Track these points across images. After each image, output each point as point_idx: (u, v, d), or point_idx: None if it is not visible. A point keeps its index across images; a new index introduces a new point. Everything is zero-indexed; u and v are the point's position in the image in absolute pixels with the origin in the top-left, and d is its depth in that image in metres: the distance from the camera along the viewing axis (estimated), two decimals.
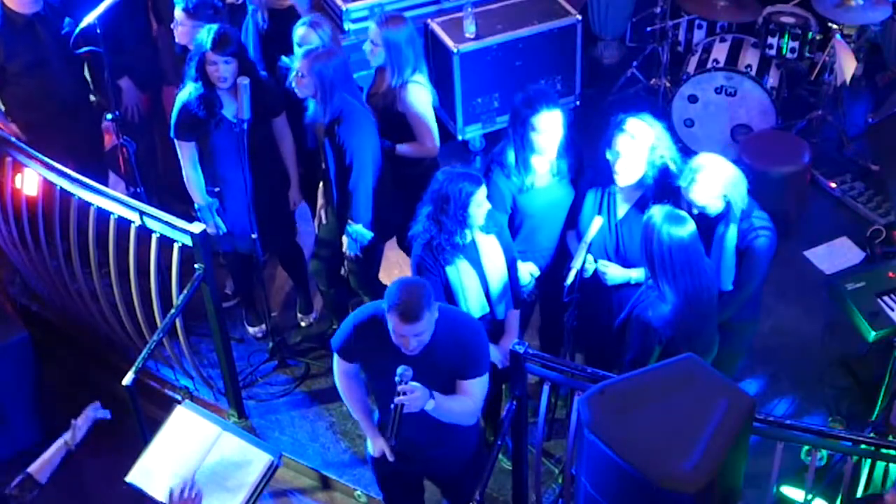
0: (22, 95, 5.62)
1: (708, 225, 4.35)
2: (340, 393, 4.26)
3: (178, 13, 5.28)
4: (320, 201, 5.28)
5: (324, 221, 5.28)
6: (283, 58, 5.15)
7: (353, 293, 5.46)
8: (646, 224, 4.09)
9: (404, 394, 3.74)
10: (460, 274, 4.37)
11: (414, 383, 3.77)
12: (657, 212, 4.08)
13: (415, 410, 3.81)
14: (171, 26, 5.42)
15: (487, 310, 4.51)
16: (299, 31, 5.13)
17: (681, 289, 4.08)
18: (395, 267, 6.08)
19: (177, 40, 5.38)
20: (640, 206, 4.54)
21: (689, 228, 4.05)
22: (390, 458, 4.16)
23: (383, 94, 5.15)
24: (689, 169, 4.34)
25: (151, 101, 6.23)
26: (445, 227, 4.29)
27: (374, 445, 4.24)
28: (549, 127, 4.51)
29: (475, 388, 3.96)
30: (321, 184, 5.24)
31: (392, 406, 3.79)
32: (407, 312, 3.70)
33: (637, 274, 4.54)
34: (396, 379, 3.76)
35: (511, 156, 4.63)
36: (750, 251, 4.35)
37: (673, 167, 4.48)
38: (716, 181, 4.28)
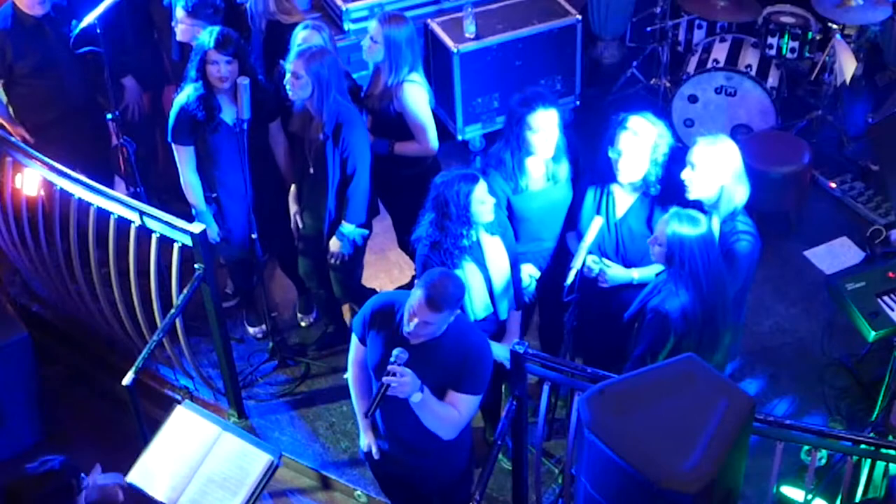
0: (31, 97, 5.62)
1: None
2: (348, 379, 4.26)
3: (179, 12, 5.28)
4: (293, 207, 5.24)
5: (300, 226, 5.25)
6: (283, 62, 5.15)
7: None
8: (673, 237, 4.05)
9: (394, 374, 3.75)
10: (466, 275, 4.37)
11: (406, 369, 3.77)
12: (678, 220, 4.06)
13: (401, 396, 3.80)
14: (172, 24, 5.42)
15: (491, 310, 4.52)
16: (302, 33, 5.11)
17: (700, 287, 4.07)
18: (394, 267, 6.09)
19: (177, 38, 5.37)
20: (639, 205, 4.54)
21: (706, 223, 4.06)
22: (375, 454, 4.19)
23: (380, 94, 5.15)
24: (707, 136, 4.35)
25: (153, 101, 6.23)
26: (450, 232, 4.29)
27: (365, 439, 4.25)
28: (545, 126, 4.51)
29: (464, 405, 3.94)
30: (293, 187, 5.21)
31: (378, 383, 3.80)
32: (434, 297, 3.73)
33: (638, 274, 4.55)
34: (391, 359, 3.77)
35: (507, 156, 4.63)
36: (730, 255, 4.31)
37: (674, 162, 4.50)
38: (722, 157, 4.27)
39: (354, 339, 4.14)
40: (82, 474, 3.58)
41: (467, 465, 4.34)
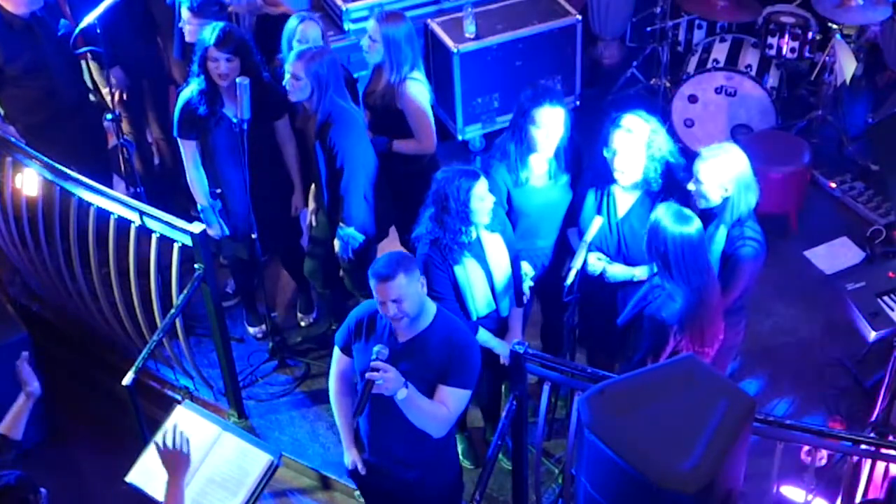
0: (22, 98, 5.61)
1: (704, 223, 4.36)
2: (330, 394, 4.23)
3: (185, 12, 5.29)
4: (311, 205, 5.27)
5: (314, 224, 5.26)
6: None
7: (349, 294, 5.46)
8: (654, 224, 4.08)
9: (377, 370, 3.72)
10: (468, 272, 4.38)
11: (389, 365, 3.75)
12: (664, 211, 4.07)
13: (385, 392, 3.77)
14: (178, 25, 5.42)
15: (493, 307, 4.52)
16: (299, 27, 5.10)
17: (693, 286, 4.07)
18: None
19: (186, 39, 5.37)
20: (641, 203, 4.54)
21: (696, 226, 4.05)
22: (361, 470, 4.17)
23: (381, 92, 5.15)
24: (711, 147, 4.35)
25: (155, 99, 6.22)
26: (449, 227, 4.29)
27: (349, 456, 4.22)
28: (550, 123, 4.51)
29: (452, 399, 3.90)
30: (312, 187, 5.23)
31: (362, 381, 3.79)
32: (382, 272, 3.75)
33: (639, 272, 4.55)
34: (372, 356, 3.75)
35: (512, 147, 4.63)
36: (734, 259, 4.31)
37: (672, 161, 4.49)
38: (726, 168, 4.26)
39: (336, 352, 4.12)
40: (42, 489, 3.58)
41: (455, 480, 4.31)
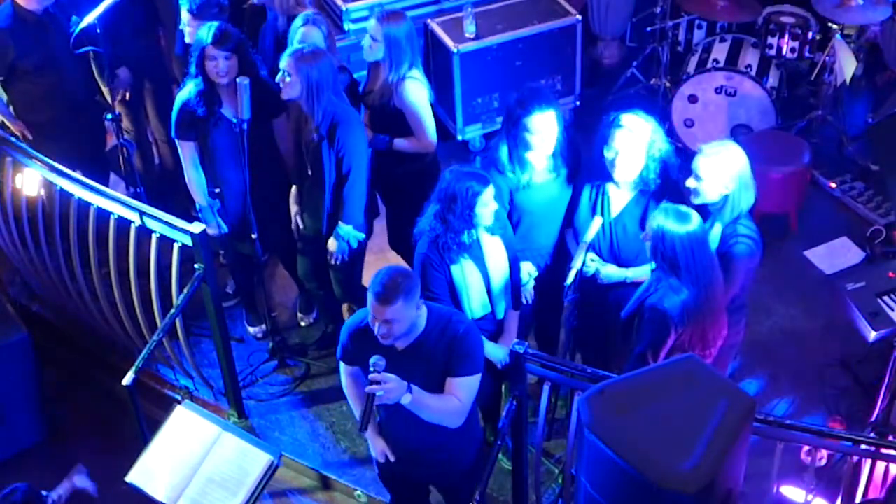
0: (32, 94, 5.61)
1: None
2: (347, 396, 4.25)
3: (185, 14, 5.28)
4: (294, 207, 5.24)
5: (301, 227, 5.26)
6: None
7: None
8: (658, 231, 4.06)
9: (376, 383, 3.72)
10: (464, 273, 4.38)
11: (389, 375, 3.74)
12: (664, 216, 4.06)
13: (389, 402, 3.78)
14: (180, 27, 5.42)
15: (489, 309, 4.52)
16: (301, 30, 5.11)
17: (701, 283, 4.07)
18: None
19: (186, 41, 5.37)
20: (635, 203, 4.55)
21: (697, 221, 4.06)
22: (391, 458, 4.17)
23: (379, 91, 5.15)
24: (711, 144, 4.35)
25: (156, 96, 6.22)
26: (452, 227, 4.29)
27: (375, 447, 4.24)
28: (543, 127, 4.51)
29: (462, 389, 3.91)
30: (293, 188, 5.20)
31: (364, 395, 3.80)
32: (383, 293, 3.70)
33: (632, 273, 4.55)
34: (370, 368, 3.75)
35: (504, 153, 4.62)
36: (727, 256, 4.30)
37: (670, 160, 4.49)
38: (727, 165, 4.26)
39: (341, 364, 4.13)
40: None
41: (477, 457, 4.32)
